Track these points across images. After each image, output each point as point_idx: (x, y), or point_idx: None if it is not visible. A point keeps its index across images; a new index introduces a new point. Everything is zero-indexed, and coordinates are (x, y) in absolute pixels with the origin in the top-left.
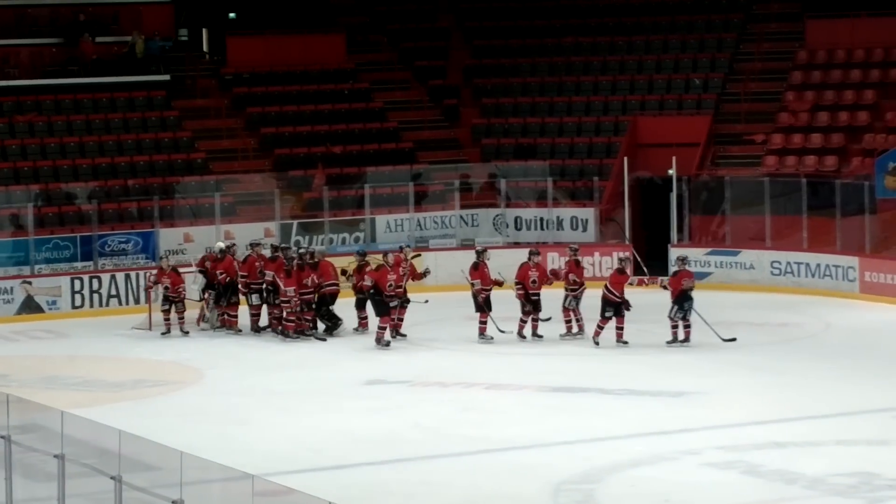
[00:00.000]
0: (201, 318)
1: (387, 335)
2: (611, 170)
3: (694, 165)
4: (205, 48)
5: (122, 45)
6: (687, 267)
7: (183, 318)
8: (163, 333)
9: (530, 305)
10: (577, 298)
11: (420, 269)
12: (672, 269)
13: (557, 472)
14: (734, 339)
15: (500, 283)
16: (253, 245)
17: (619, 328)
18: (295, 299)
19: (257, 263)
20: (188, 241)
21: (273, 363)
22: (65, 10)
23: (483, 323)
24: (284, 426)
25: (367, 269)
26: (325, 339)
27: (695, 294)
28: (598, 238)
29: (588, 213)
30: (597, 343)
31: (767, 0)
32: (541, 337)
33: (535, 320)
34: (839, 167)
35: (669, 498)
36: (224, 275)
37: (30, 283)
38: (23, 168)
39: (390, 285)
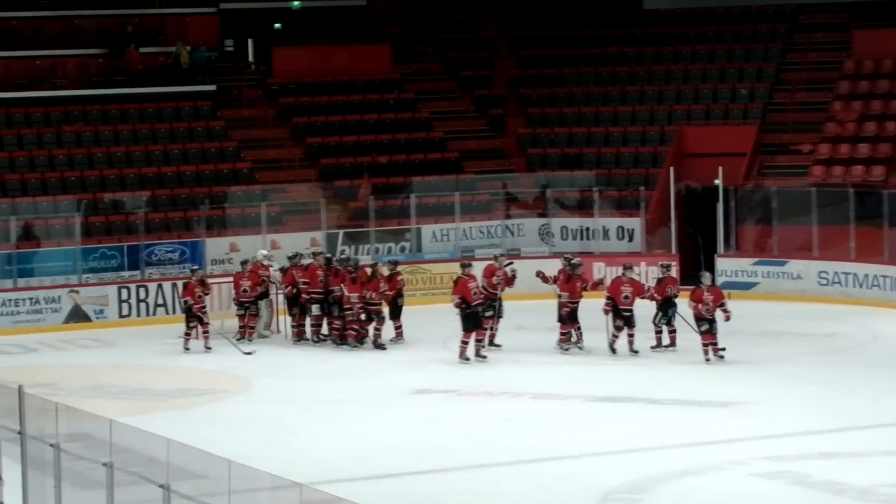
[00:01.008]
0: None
1: (468, 350)
2: (657, 180)
3: (740, 175)
4: (250, 58)
5: (167, 56)
6: (671, 274)
7: (208, 333)
8: (186, 349)
9: (621, 321)
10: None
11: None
12: (661, 276)
13: (604, 481)
14: (723, 349)
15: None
16: (315, 254)
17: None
18: (358, 306)
19: (318, 272)
20: (234, 251)
21: (320, 372)
22: (111, 21)
23: (564, 334)
24: (331, 435)
25: (399, 277)
26: (385, 348)
27: (740, 304)
28: (644, 248)
29: (634, 223)
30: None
31: (814, 10)
32: (636, 352)
33: (631, 335)
34: (886, 177)
35: None
36: (290, 287)
37: (77, 292)
38: (70, 178)
39: (475, 293)
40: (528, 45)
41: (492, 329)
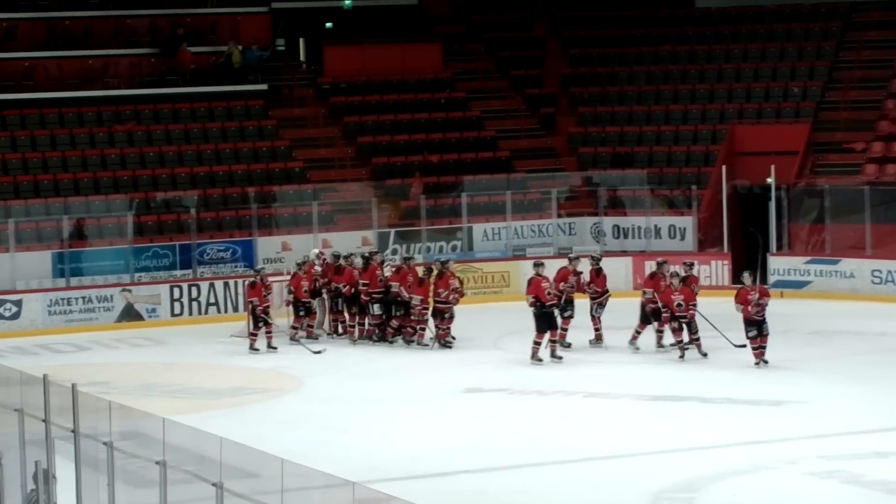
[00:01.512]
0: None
1: (541, 351)
2: (709, 178)
3: (793, 174)
4: (302, 58)
5: (219, 56)
6: (694, 272)
7: (271, 332)
8: (254, 350)
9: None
10: (602, 306)
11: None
12: (685, 274)
13: (657, 480)
14: (745, 346)
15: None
16: (372, 254)
17: (659, 331)
18: (420, 308)
19: (378, 272)
20: (286, 250)
21: (371, 371)
22: (163, 20)
23: (638, 332)
24: (383, 434)
25: (451, 278)
26: (451, 346)
27: (793, 303)
28: (696, 247)
29: (686, 222)
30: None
31: (868, 7)
32: (705, 355)
33: (697, 339)
34: None
35: None
36: (347, 286)
37: (129, 291)
38: (122, 177)
39: (549, 293)
40: (579, 43)
41: (563, 329)
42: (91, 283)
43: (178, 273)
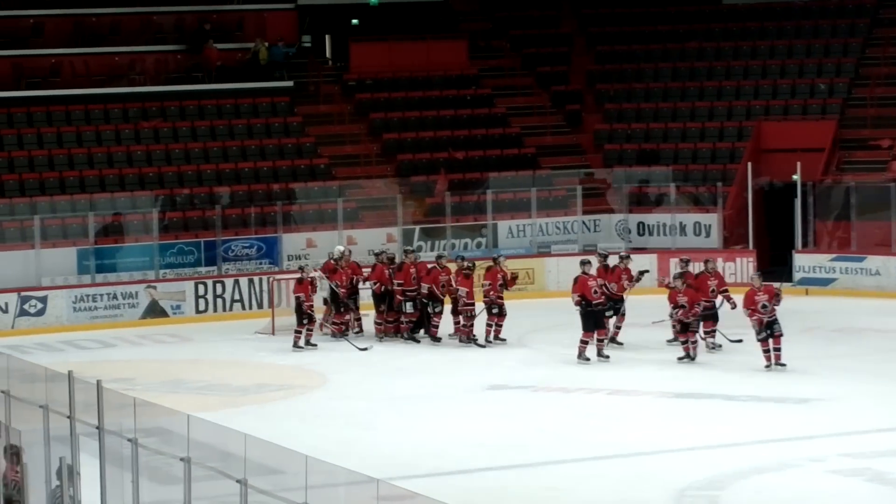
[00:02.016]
0: (323, 324)
1: (588, 350)
2: (734, 175)
3: (819, 171)
4: (328, 54)
5: (245, 52)
6: (690, 269)
7: (312, 330)
8: (297, 347)
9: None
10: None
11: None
12: (681, 271)
13: (681, 477)
14: (741, 341)
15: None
16: (407, 252)
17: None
18: (465, 301)
19: (412, 270)
20: (311, 247)
21: (396, 368)
22: (189, 17)
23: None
24: (408, 431)
25: (499, 273)
26: (484, 346)
27: (818, 300)
28: (721, 244)
29: (711, 219)
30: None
31: (894, 4)
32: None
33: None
34: None
35: None
36: (378, 284)
37: (154, 287)
38: (147, 174)
39: (595, 292)
40: (605, 40)
41: (616, 327)
42: (116, 279)
43: (202, 270)
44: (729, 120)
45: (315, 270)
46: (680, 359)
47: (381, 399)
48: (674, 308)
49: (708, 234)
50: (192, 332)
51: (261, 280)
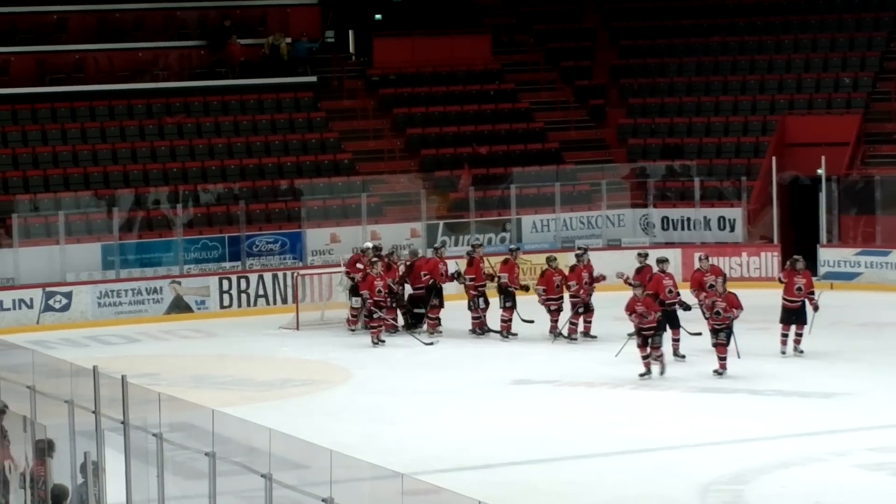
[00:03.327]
0: (354, 319)
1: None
2: (759, 169)
3: (843, 165)
4: (351, 49)
5: (263, 48)
6: (649, 262)
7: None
8: (377, 341)
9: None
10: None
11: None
12: (640, 265)
13: (706, 472)
14: (700, 334)
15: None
16: (475, 246)
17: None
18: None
19: (482, 265)
20: (335, 242)
21: (420, 363)
22: (213, 13)
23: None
24: (432, 425)
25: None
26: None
27: (843, 295)
28: (745, 238)
29: (736, 213)
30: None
31: None
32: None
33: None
34: None
35: (820, 499)
36: (428, 276)
37: (179, 283)
38: (172, 169)
39: (671, 291)
40: (629, 35)
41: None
42: (140, 275)
43: (227, 265)
44: (753, 114)
45: (342, 265)
46: (641, 375)
47: (406, 394)
48: (711, 312)
49: (732, 229)
50: (217, 327)
51: (285, 275)
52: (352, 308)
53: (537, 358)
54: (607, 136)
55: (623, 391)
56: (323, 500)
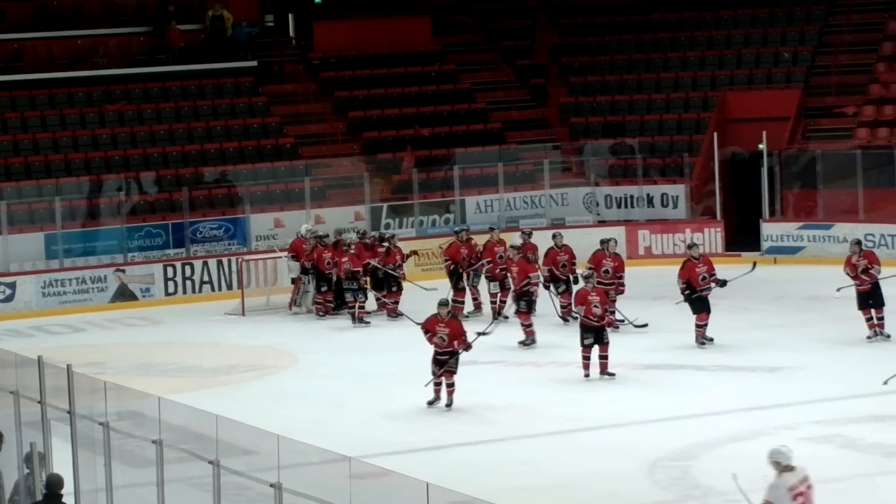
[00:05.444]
0: (293, 302)
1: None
2: (700, 146)
3: (784, 139)
4: (291, 33)
5: (206, 28)
6: (532, 241)
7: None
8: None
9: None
10: (478, 275)
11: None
12: (521, 243)
13: (654, 449)
14: (646, 325)
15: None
16: (492, 230)
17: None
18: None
19: (497, 249)
20: (279, 227)
21: (366, 345)
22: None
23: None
24: (379, 408)
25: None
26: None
27: (787, 269)
28: (688, 215)
29: (679, 190)
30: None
31: None
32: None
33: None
34: None
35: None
36: (449, 261)
37: (123, 271)
38: (113, 157)
39: (703, 278)
40: (568, 13)
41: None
42: (84, 263)
43: (171, 252)
44: (694, 90)
45: (279, 250)
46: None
47: (353, 377)
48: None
49: (675, 206)
50: (162, 314)
51: (229, 261)
52: (322, 293)
53: (485, 339)
54: (549, 115)
55: (570, 370)
56: (271, 485)
